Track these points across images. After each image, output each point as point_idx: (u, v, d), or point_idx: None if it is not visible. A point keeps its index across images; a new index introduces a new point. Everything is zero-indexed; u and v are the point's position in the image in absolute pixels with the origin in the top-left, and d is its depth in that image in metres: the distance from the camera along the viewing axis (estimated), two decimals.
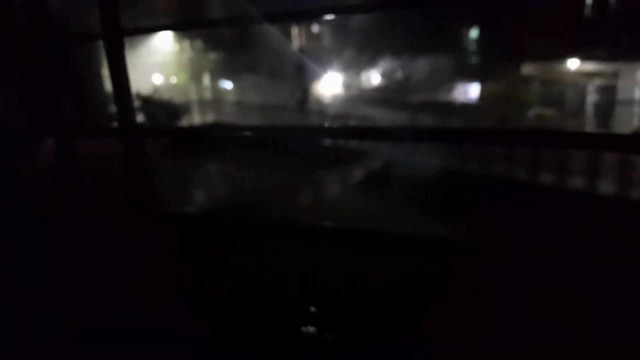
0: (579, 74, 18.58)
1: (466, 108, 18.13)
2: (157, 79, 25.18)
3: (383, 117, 16.00)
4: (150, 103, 15.17)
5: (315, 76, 21.34)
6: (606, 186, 9.26)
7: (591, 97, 19.23)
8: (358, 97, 22.16)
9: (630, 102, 17.71)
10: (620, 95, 18.04)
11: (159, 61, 25.46)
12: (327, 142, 14.22)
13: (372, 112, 17.50)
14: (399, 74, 20.61)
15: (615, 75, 18.19)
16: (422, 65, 20.18)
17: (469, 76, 19.08)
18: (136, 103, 15.27)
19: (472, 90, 18.89)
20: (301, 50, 18.67)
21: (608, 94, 18.65)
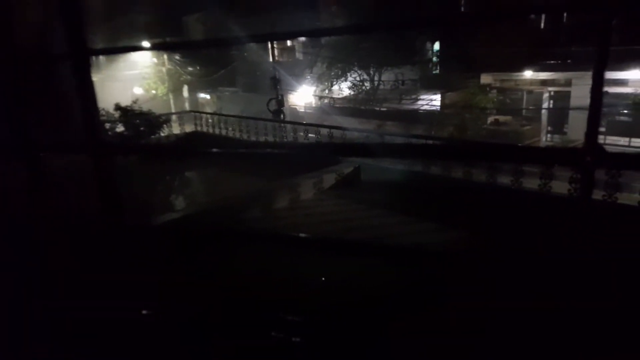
0: (533, 82, 19.66)
1: (429, 115, 19.11)
2: (137, 91, 25.58)
3: (352, 124, 16.77)
4: (129, 113, 15.39)
5: (289, 87, 22.06)
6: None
7: (546, 104, 20.37)
8: (328, 106, 22.91)
9: (582, 108, 18.76)
10: (573, 102, 19.11)
11: (138, 74, 25.86)
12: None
13: (342, 120, 18.26)
14: (366, 85, 21.46)
15: (568, 83, 19.30)
16: (387, 77, 21.09)
17: (431, 86, 20.07)
18: (116, 114, 15.63)
19: (434, 100, 19.85)
20: (275, 62, 19.46)
21: (562, 100, 19.75)
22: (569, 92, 19.35)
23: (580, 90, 19.10)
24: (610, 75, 17.24)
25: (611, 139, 17.84)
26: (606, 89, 18.84)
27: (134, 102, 16.85)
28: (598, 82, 0.92)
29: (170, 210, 9.99)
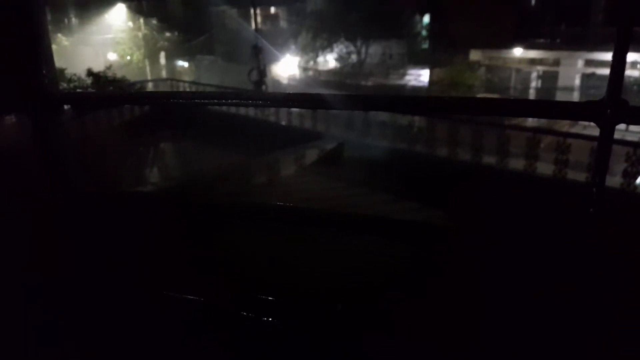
0: (522, 61, 19.45)
1: (416, 91, 18.74)
2: (111, 56, 24.46)
3: None
4: (102, 80, 14.71)
5: (272, 57, 21.35)
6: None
7: (534, 83, 20.23)
8: (313, 79, 22.34)
9: (570, 88, 18.73)
10: (561, 81, 19.06)
11: (112, 39, 24.70)
12: (282, 123, 14.43)
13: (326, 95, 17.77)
14: (352, 58, 20.93)
15: (556, 62, 19.18)
16: (374, 50, 20.59)
17: (419, 62, 19.67)
18: (88, 80, 14.92)
19: (422, 76, 19.50)
20: (258, 30, 18.66)
21: (550, 80, 19.65)
22: (557, 72, 19.27)
23: (568, 70, 19.06)
24: (599, 56, 17.17)
25: None
26: (594, 70, 18.88)
27: (108, 68, 16.15)
28: (625, 27, 0.85)
29: (138, 182, 9.48)
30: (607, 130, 0.92)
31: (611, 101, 0.88)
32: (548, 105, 1.11)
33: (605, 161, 0.94)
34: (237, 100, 1.42)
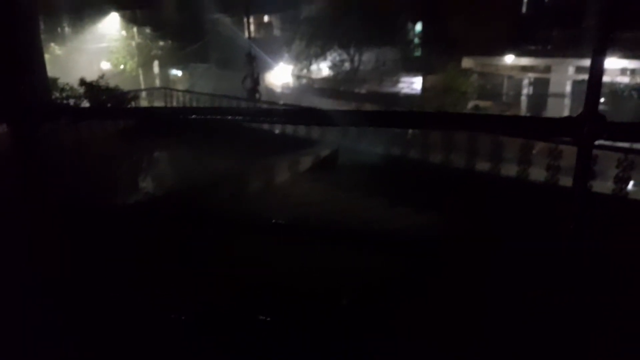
0: (514, 68, 19.62)
1: (409, 99, 18.83)
2: (105, 65, 24.40)
3: (330, 106, 16.36)
4: (95, 89, 14.60)
5: (266, 65, 21.38)
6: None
7: (526, 90, 20.38)
8: (307, 87, 22.38)
9: (561, 95, 18.89)
10: (552, 88, 19.21)
11: (106, 47, 24.65)
12: (276, 129, 14.43)
13: (320, 101, 17.84)
14: (346, 66, 21.00)
15: (548, 69, 19.35)
16: (368, 58, 20.67)
17: (412, 69, 19.78)
18: (80, 90, 14.83)
19: (415, 83, 19.60)
20: (251, 38, 18.70)
21: (541, 86, 19.81)
22: (548, 79, 19.44)
23: (559, 77, 19.24)
24: (586, 62, 17.34)
25: None
26: (585, 77, 19.05)
27: (101, 77, 16.07)
28: (601, 44, 0.89)
29: (133, 192, 9.47)
30: (586, 147, 0.92)
31: (589, 117, 0.88)
32: (523, 122, 1.12)
33: (586, 175, 0.92)
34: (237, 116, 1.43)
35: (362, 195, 9.42)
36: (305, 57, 21.54)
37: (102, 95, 14.85)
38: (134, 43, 24.72)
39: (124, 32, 24.81)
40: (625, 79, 16.53)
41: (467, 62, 18.89)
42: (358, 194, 9.46)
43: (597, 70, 0.78)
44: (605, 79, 18.10)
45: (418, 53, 20.80)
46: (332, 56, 21.03)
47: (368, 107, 17.75)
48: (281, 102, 18.61)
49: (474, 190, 9.50)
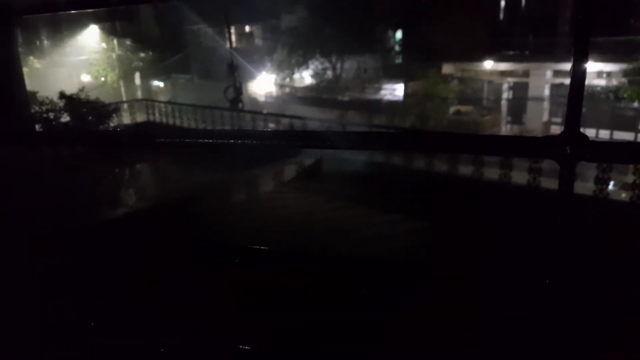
0: (493, 73, 19.92)
1: (392, 105, 18.99)
2: (85, 78, 24.11)
3: (313, 114, 16.41)
4: (75, 102, 14.42)
5: (249, 75, 21.38)
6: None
7: (505, 94, 20.71)
8: (290, 95, 22.43)
9: (539, 99, 19.23)
10: (531, 92, 19.55)
11: (86, 60, 24.38)
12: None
13: (303, 109, 17.86)
14: (328, 74, 21.11)
15: (526, 73, 19.68)
16: (349, 66, 20.82)
17: (394, 76, 19.97)
18: (60, 103, 14.65)
19: (396, 90, 19.78)
20: (233, 48, 18.70)
21: (520, 90, 20.14)
22: (527, 83, 19.78)
23: (537, 81, 19.61)
24: (567, 67, 17.58)
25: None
26: (562, 80, 19.48)
27: (81, 90, 15.86)
28: (580, 58, 0.79)
29: (115, 208, 9.31)
30: (567, 169, 0.85)
31: (570, 137, 0.82)
32: (504, 142, 1.08)
33: (568, 201, 0.87)
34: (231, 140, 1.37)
35: (346, 203, 9.44)
36: (287, 66, 21.59)
37: (82, 108, 14.67)
38: (114, 55, 24.48)
39: (104, 45, 24.57)
40: (602, 82, 16.90)
41: (447, 68, 19.13)
42: (342, 202, 9.48)
43: (578, 82, 0.74)
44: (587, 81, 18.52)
45: (399, 60, 20.99)
46: (314, 65, 21.12)
47: (351, 114, 17.87)
48: (264, 111, 18.60)
49: (458, 194, 9.58)
